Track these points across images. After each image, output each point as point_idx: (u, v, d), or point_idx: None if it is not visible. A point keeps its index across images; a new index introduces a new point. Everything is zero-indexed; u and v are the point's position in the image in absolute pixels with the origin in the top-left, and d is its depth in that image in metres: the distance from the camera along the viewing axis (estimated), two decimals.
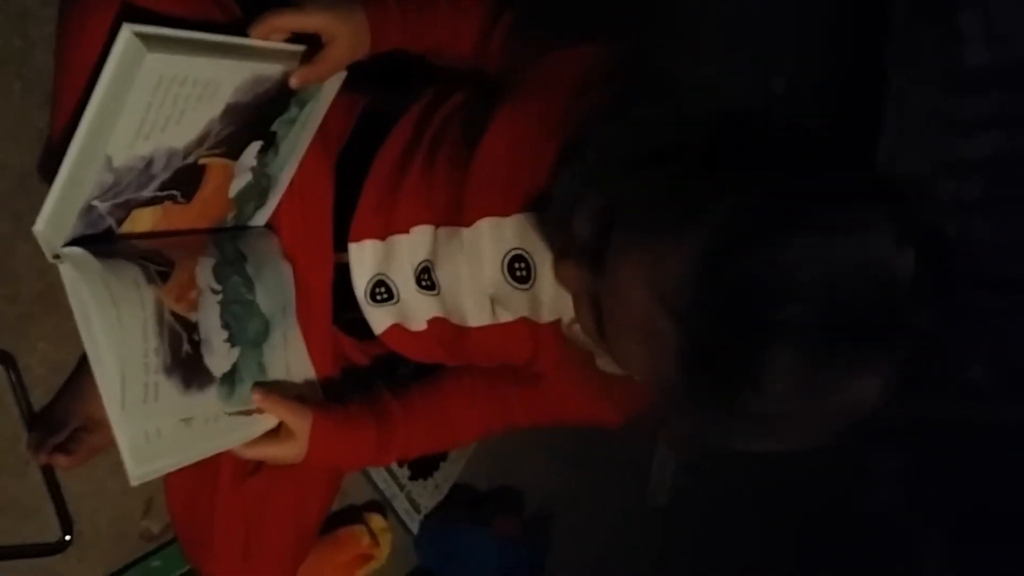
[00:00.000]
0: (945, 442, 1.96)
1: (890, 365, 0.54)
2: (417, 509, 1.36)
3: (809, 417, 0.56)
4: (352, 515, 1.27)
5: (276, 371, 0.84)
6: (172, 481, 0.92)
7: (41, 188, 0.82)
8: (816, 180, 0.56)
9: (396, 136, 0.85)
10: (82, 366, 0.94)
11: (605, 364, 0.79)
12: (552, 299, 0.77)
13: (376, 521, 1.28)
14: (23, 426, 0.93)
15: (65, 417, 0.91)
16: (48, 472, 0.95)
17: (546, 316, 0.79)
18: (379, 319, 0.87)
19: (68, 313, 0.92)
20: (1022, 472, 1.86)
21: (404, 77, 0.90)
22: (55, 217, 0.66)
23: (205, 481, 0.90)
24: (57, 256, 0.68)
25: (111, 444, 0.92)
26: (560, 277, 0.68)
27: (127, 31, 0.60)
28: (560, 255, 0.68)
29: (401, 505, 1.34)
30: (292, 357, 0.87)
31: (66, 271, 0.68)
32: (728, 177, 0.57)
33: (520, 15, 0.84)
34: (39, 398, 0.94)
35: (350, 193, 0.86)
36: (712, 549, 1.89)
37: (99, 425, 0.90)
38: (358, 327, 0.88)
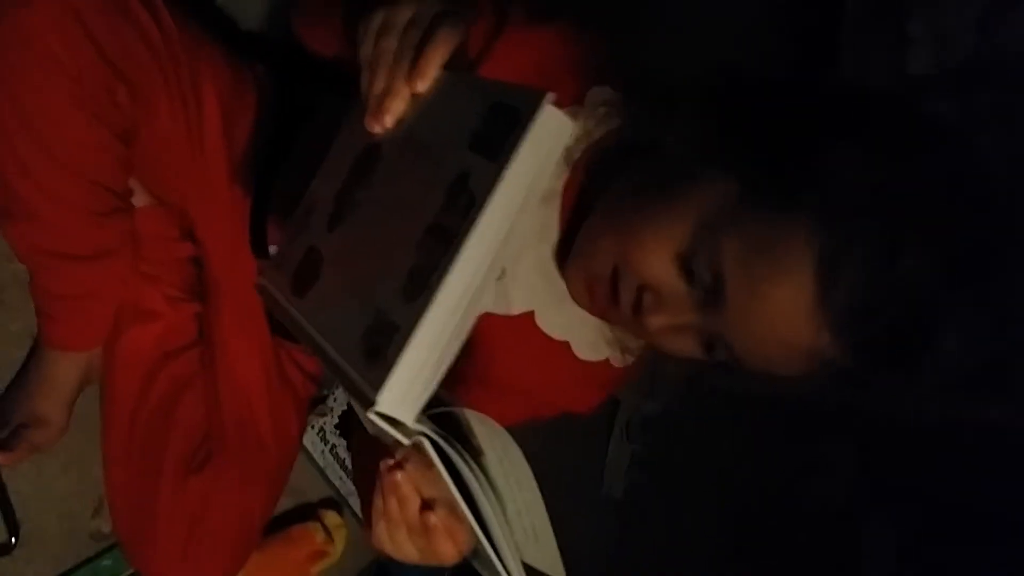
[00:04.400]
0: (897, 437, 2.00)
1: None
2: None
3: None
4: (307, 512, 1.27)
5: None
6: (114, 479, 0.92)
7: None
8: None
9: (314, 133, 0.85)
10: (28, 364, 0.94)
11: (585, 352, 0.79)
12: (524, 291, 0.76)
13: (331, 518, 1.28)
14: None
15: (8, 414, 0.91)
16: None
17: (517, 308, 0.77)
18: None
19: (15, 313, 0.93)
20: (975, 469, 1.90)
21: (312, 65, 0.86)
22: (415, 374, 0.47)
23: (147, 479, 0.90)
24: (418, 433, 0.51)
25: (55, 442, 0.93)
26: (650, 327, 0.65)
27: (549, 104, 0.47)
28: (652, 309, 0.65)
29: (356, 502, 1.34)
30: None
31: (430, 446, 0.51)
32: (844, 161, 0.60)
33: None
34: None
35: (263, 194, 0.86)
36: (667, 541, 1.91)
37: (42, 422, 0.90)
38: None
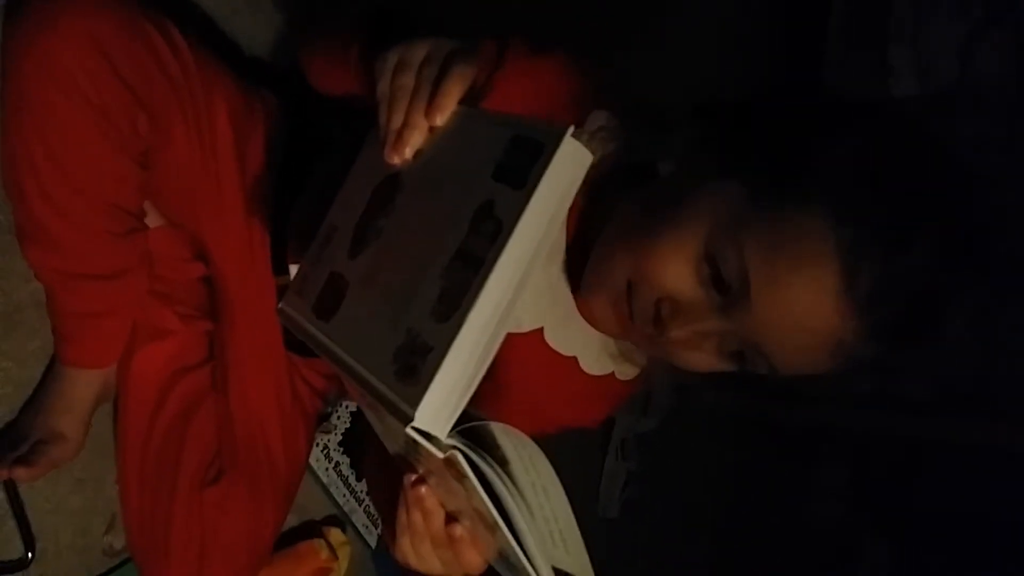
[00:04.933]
0: (889, 456, 2.02)
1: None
2: (375, 523, 1.38)
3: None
4: (311, 529, 1.29)
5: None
6: (127, 495, 0.94)
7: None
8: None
9: (327, 160, 0.88)
10: (45, 382, 0.96)
11: (592, 367, 0.81)
12: (533, 309, 0.77)
13: (335, 535, 1.30)
14: None
15: (27, 431, 0.93)
16: (11, 489, 0.96)
17: (527, 326, 0.78)
18: None
19: (32, 332, 0.95)
20: (968, 484, 1.92)
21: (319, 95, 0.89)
22: (449, 390, 0.50)
23: (161, 495, 0.92)
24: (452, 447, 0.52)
25: (72, 458, 0.95)
26: (672, 336, 0.67)
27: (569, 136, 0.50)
28: (672, 317, 0.66)
29: (360, 519, 1.36)
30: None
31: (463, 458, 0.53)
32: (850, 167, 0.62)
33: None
34: (3, 416, 0.95)
35: (283, 212, 0.89)
36: (662, 560, 1.92)
37: (59, 439, 0.92)
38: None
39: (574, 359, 0.80)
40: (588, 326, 0.78)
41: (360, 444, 1.31)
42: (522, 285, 0.51)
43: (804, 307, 0.61)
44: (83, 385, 0.93)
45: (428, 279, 0.54)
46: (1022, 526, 1.79)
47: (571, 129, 0.50)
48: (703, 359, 0.69)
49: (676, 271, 0.65)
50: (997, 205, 0.66)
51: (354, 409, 1.30)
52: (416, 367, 0.50)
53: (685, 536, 1.96)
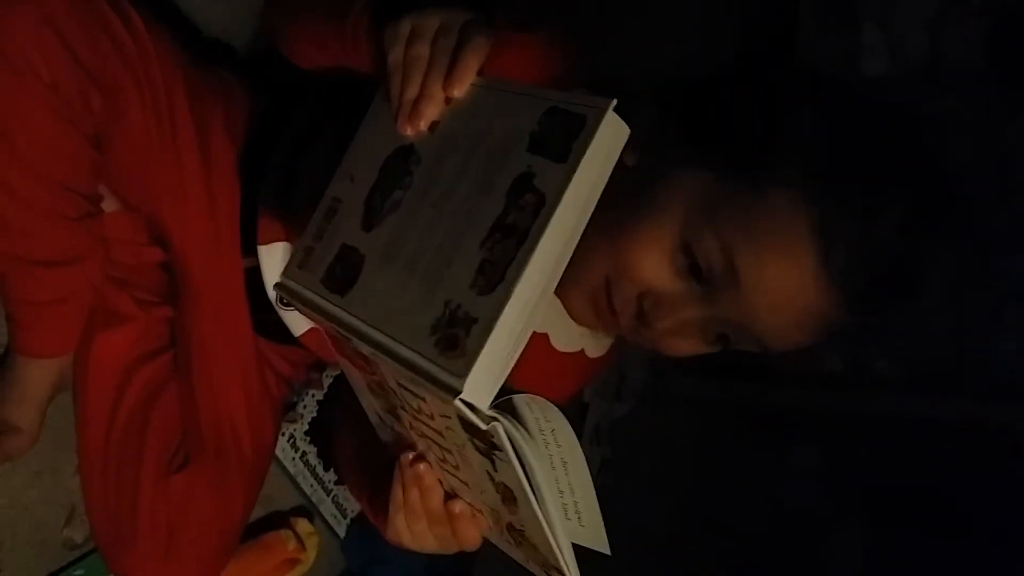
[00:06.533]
0: (856, 434, 2.03)
1: None
2: (344, 513, 1.37)
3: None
4: (278, 520, 1.27)
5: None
6: (91, 483, 0.92)
7: None
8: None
9: (300, 134, 0.87)
10: None
11: (562, 343, 0.81)
12: None
13: (302, 526, 1.28)
14: None
15: None
16: None
17: None
18: (296, 321, 0.88)
19: None
20: (942, 465, 1.94)
21: (284, 70, 0.88)
22: (494, 362, 0.51)
23: (126, 481, 0.90)
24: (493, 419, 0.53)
25: (27, 450, 0.92)
26: (657, 329, 0.68)
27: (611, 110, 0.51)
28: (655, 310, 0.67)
29: (328, 509, 1.35)
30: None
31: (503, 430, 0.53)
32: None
33: None
34: None
35: (252, 193, 0.87)
36: (636, 545, 1.92)
37: (14, 430, 0.90)
38: (279, 331, 0.90)
39: (545, 336, 0.81)
40: (559, 303, 0.78)
41: (328, 432, 1.29)
42: (562, 258, 0.52)
43: (788, 287, 0.63)
44: (38, 374, 0.90)
45: (463, 251, 0.54)
46: (994, 504, 1.82)
47: (614, 103, 0.50)
48: (688, 345, 0.70)
49: (654, 266, 0.66)
50: (963, 181, 0.69)
51: (320, 398, 1.28)
52: (458, 339, 0.51)
53: (660, 521, 1.96)
